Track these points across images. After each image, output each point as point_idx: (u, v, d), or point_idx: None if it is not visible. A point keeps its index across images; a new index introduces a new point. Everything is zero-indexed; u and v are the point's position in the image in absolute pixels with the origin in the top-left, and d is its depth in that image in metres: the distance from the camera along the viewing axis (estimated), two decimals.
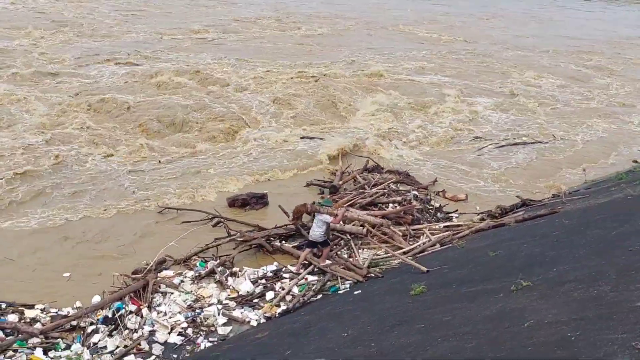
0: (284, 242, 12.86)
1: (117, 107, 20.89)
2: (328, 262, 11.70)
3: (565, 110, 26.15)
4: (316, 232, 11.72)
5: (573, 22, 55.98)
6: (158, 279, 10.64)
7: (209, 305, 10.24)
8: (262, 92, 24.21)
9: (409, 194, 15.19)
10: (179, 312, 9.86)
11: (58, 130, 18.62)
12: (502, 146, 20.54)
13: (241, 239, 12.19)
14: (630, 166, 18.01)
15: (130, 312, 9.65)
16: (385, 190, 14.94)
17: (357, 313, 8.12)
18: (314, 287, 10.90)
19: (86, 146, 17.52)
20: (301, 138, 19.72)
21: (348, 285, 11.01)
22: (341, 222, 12.48)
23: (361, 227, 12.81)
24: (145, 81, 24.44)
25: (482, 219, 13.98)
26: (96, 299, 10.05)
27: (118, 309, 9.60)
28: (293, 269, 11.73)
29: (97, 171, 16.02)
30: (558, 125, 23.54)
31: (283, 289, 10.94)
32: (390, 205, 14.34)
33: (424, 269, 9.66)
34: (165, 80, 24.29)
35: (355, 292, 9.85)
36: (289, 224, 13.11)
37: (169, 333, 9.35)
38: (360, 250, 12.66)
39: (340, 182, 16.03)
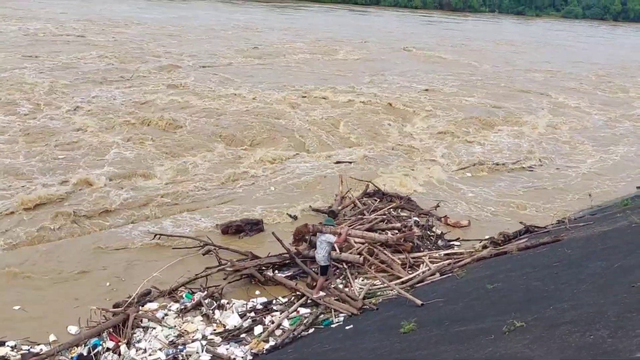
0: (276, 272, 12.36)
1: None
2: (322, 293, 11.18)
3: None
4: (319, 254, 11.20)
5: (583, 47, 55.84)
6: (140, 312, 10.15)
7: (193, 340, 9.72)
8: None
9: (409, 220, 14.68)
10: (160, 349, 9.35)
11: None
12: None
13: (231, 269, 11.66)
14: (635, 192, 17.35)
15: (108, 350, 9.16)
16: (384, 216, 14.43)
17: (342, 353, 7.58)
18: (305, 321, 10.36)
19: None
20: None
21: (342, 318, 10.47)
22: (345, 242, 11.96)
23: (358, 256, 12.28)
24: None
25: (485, 246, 13.40)
26: (72, 329, 9.61)
27: (95, 346, 9.11)
28: (284, 300, 11.23)
29: None
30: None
31: (273, 323, 10.42)
32: (389, 232, 13.82)
33: (419, 302, 9.09)
34: None
35: (347, 327, 9.31)
36: (284, 253, 12.61)
37: None
38: (356, 280, 12.13)
39: (340, 208, 15.55)
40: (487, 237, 14.08)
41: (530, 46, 61.25)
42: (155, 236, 13.41)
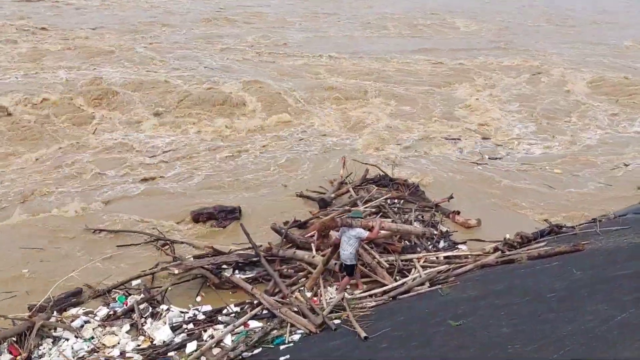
0: (237, 272, 10.52)
1: None
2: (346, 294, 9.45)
3: None
4: (347, 251, 9.51)
5: None
6: (52, 319, 8.56)
7: (107, 358, 8.05)
8: None
9: (411, 214, 12.46)
10: None
11: None
12: None
13: (174, 268, 9.85)
14: None
15: None
16: (377, 209, 12.28)
17: None
18: (250, 339, 8.49)
19: None
20: None
21: (299, 337, 8.56)
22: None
23: (333, 262, 10.22)
24: None
25: (497, 249, 11.08)
26: None
27: None
28: (235, 309, 9.40)
29: None
30: None
31: (213, 338, 8.62)
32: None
33: (363, 334, 7.01)
34: None
35: (282, 359, 7.36)
36: (248, 248, 10.75)
37: None
38: (330, 287, 10.15)
39: (333, 195, 13.48)
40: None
41: None
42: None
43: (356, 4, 48.24)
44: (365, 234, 9.60)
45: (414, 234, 11.48)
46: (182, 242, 11.13)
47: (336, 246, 10.22)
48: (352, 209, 12.06)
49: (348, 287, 9.92)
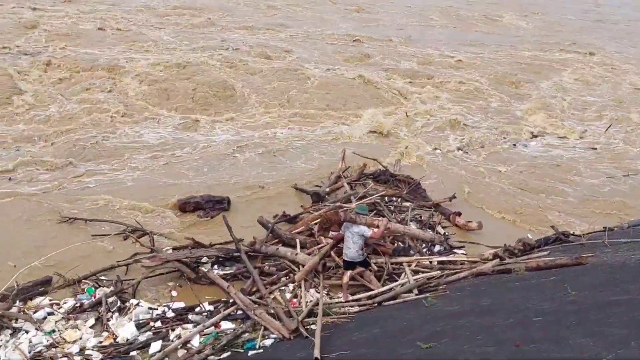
0: (216, 267, 9.99)
1: None
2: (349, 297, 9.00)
3: None
4: (352, 249, 9.10)
5: None
6: (14, 309, 8.11)
7: (64, 355, 7.58)
8: None
9: (406, 214, 11.77)
10: None
11: None
12: None
13: (147, 260, 9.32)
14: None
15: None
16: (371, 207, 11.60)
17: None
18: (218, 342, 7.95)
19: None
20: None
21: (271, 342, 8.00)
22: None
23: (317, 259, 9.63)
24: None
25: (496, 256, 10.36)
26: None
27: None
28: (208, 307, 8.86)
29: None
30: None
31: (180, 338, 8.10)
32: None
33: (315, 354, 6.33)
34: None
35: None
36: (230, 241, 10.19)
37: None
38: (312, 289, 9.55)
39: (327, 190, 12.84)
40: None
41: None
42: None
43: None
44: (368, 232, 9.17)
45: (421, 239, 10.86)
46: (157, 234, 10.59)
47: (337, 241, 9.69)
48: (344, 205, 11.41)
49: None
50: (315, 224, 10.62)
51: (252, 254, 10.13)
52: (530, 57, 28.25)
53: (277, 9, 34.57)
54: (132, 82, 19.10)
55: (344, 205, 11.40)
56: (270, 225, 10.75)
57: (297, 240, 10.28)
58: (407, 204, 12.21)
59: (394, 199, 12.58)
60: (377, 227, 9.45)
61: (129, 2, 31.13)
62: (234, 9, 33.15)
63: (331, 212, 10.30)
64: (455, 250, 10.90)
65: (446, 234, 11.44)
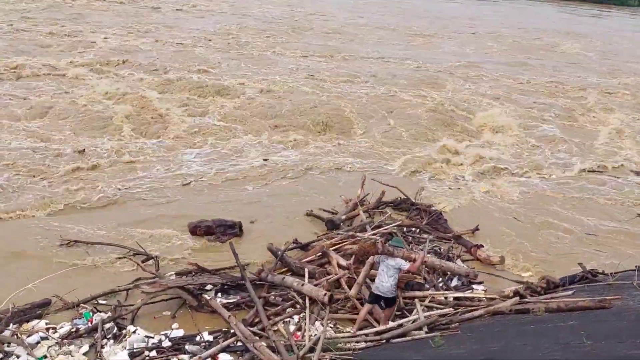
0: (220, 295, 9.63)
1: None
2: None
3: None
4: (386, 283, 8.64)
5: None
6: (7, 332, 7.90)
7: None
8: None
9: (424, 245, 11.23)
10: None
11: None
12: None
13: (147, 287, 9.02)
14: None
15: None
16: (388, 236, 11.11)
17: None
18: None
19: None
20: None
21: None
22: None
23: (322, 291, 9.17)
24: None
25: (517, 293, 9.73)
26: None
27: None
28: (208, 337, 8.48)
29: None
30: None
31: None
32: None
33: None
34: None
35: None
36: (234, 266, 9.85)
37: None
38: (317, 322, 9.07)
39: (344, 217, 12.41)
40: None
41: None
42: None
43: None
44: (406, 266, 8.76)
45: (457, 273, 10.39)
46: (154, 257, 10.32)
47: (370, 265, 9.28)
48: (358, 234, 10.96)
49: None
50: (337, 251, 10.23)
51: (258, 282, 9.77)
52: None
53: None
54: None
55: (358, 234, 10.94)
56: (279, 252, 10.40)
57: (306, 270, 9.87)
58: (426, 235, 11.67)
59: (413, 229, 12.10)
60: (414, 260, 9.04)
61: None
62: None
63: (368, 244, 9.85)
64: (474, 286, 10.30)
65: (468, 269, 10.82)
